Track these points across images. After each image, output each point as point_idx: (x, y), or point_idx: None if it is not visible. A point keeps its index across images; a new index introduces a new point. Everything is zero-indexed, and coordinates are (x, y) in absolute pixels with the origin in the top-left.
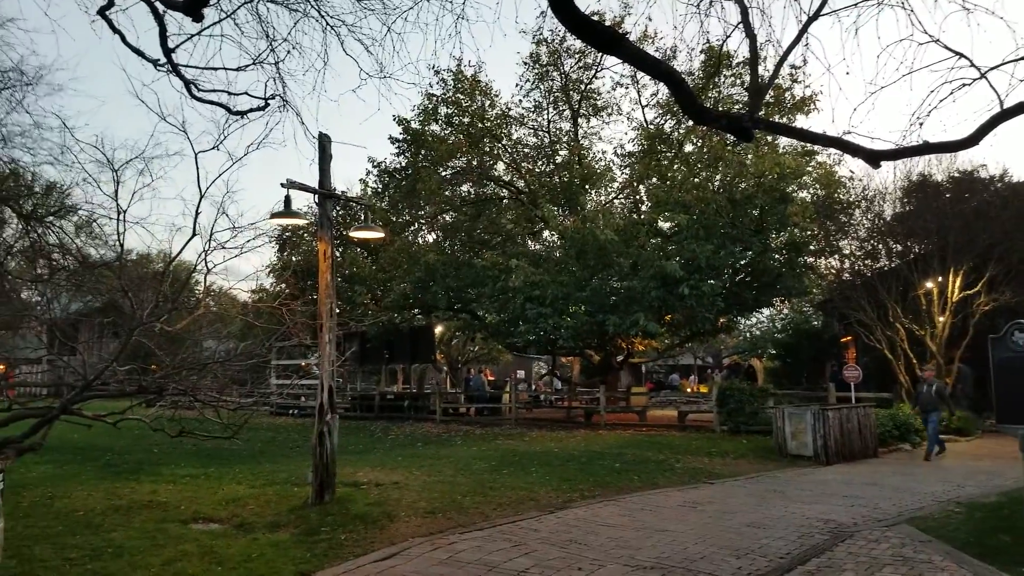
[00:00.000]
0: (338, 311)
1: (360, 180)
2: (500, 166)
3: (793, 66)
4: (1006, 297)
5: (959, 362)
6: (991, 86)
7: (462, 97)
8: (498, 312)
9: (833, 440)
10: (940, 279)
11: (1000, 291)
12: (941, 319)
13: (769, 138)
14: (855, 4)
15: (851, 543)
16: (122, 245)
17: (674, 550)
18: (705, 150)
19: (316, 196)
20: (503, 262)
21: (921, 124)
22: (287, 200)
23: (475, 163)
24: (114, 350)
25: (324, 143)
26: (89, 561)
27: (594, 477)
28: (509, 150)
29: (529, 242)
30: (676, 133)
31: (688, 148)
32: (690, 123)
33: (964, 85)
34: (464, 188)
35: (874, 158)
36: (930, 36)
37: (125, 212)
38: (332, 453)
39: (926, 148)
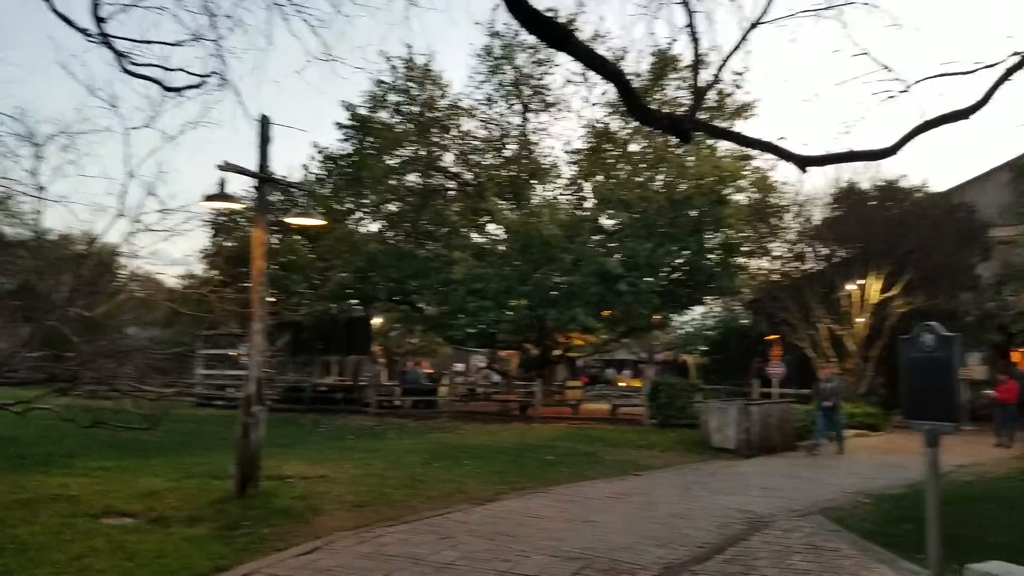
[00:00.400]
0: (272, 299)
1: (302, 166)
2: (448, 157)
3: (736, 72)
4: (920, 301)
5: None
6: (913, 98)
7: (412, 86)
8: (439, 304)
9: (755, 434)
10: (861, 282)
11: (915, 295)
12: (860, 320)
13: (709, 141)
14: (792, 15)
15: (766, 532)
16: (40, 224)
17: (599, 541)
18: (649, 150)
19: (255, 179)
20: (447, 254)
21: (848, 133)
22: (222, 183)
23: (423, 153)
24: (25, 335)
25: (264, 125)
26: None
27: (526, 469)
28: (458, 141)
29: (473, 235)
30: (622, 132)
31: (633, 148)
32: (636, 123)
33: (891, 97)
34: (410, 178)
35: (803, 163)
36: (863, 49)
37: (44, 189)
38: (257, 445)
39: (851, 156)
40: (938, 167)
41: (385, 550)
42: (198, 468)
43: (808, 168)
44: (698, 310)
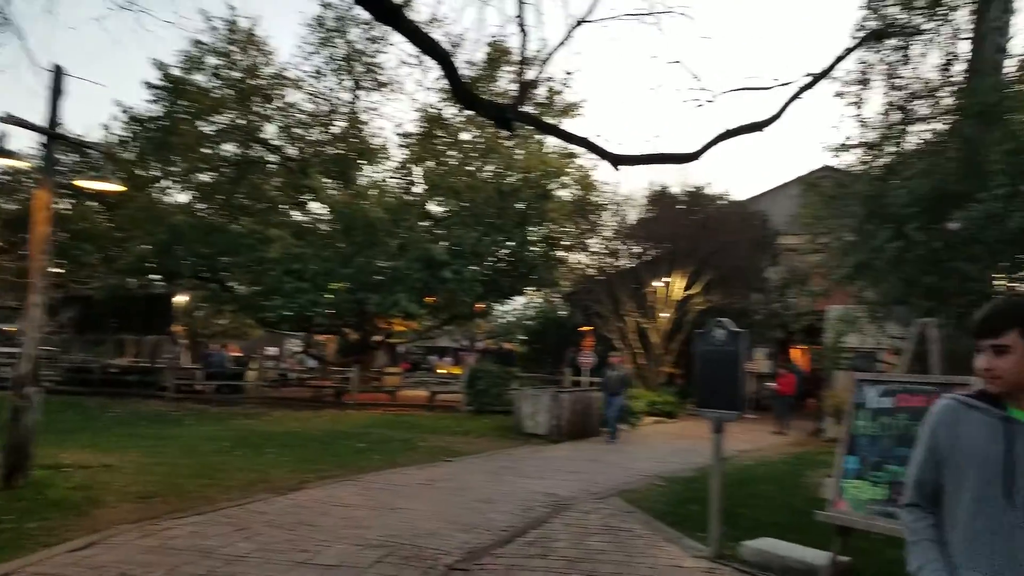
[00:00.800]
0: (58, 270)
1: (103, 126)
2: (270, 129)
3: (566, 72)
4: (717, 299)
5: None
6: (719, 107)
7: (234, 50)
8: (251, 284)
9: (565, 420)
10: (667, 280)
11: (713, 294)
12: (664, 314)
13: (538, 137)
14: (614, 16)
15: (567, 515)
16: None
17: (405, 527)
18: (480, 140)
19: (42, 136)
20: (262, 231)
21: (659, 137)
22: (3, 138)
23: (242, 122)
24: None
25: (57, 76)
26: None
27: (335, 457)
28: (282, 113)
29: (294, 213)
30: (455, 120)
31: (465, 136)
32: (467, 111)
33: (699, 105)
34: (227, 147)
35: (616, 161)
36: (677, 58)
37: None
38: (30, 431)
39: (660, 158)
40: (742, 178)
41: (172, 543)
42: None
43: (621, 166)
44: (519, 300)
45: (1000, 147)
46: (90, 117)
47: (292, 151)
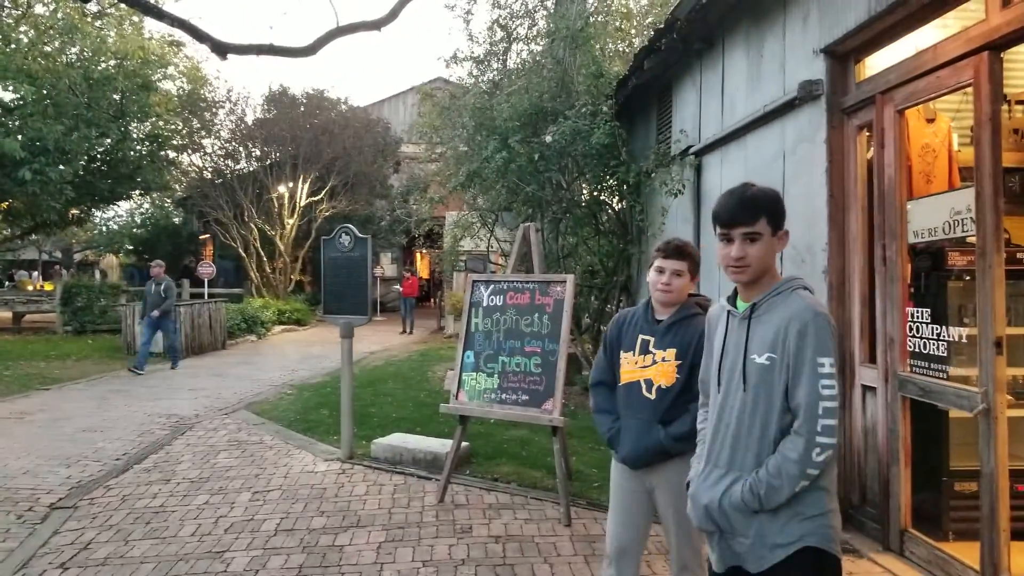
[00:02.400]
0: None
1: None
2: None
3: None
4: (343, 205)
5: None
6: (332, 4)
7: None
8: None
9: (183, 335)
10: (291, 185)
11: (339, 200)
12: (290, 221)
13: (135, 18)
14: None
15: (190, 434)
16: None
17: None
18: (60, 18)
19: None
20: None
21: (272, 29)
22: None
23: None
24: None
25: None
26: None
27: None
28: None
29: None
30: None
31: (39, 10)
32: None
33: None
34: None
35: (221, 50)
36: None
37: None
38: None
39: (271, 49)
40: (363, 84)
41: None
42: None
43: (228, 54)
44: (124, 206)
45: (584, 70)
46: None
47: None
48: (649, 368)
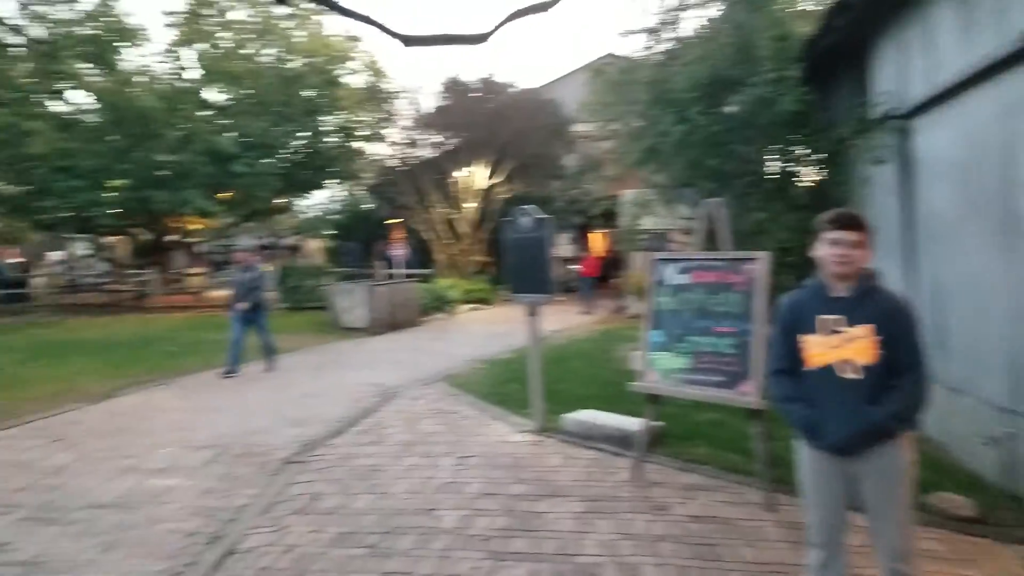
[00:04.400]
0: None
1: None
2: (9, 6)
3: None
4: (520, 187)
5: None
6: None
7: None
8: (18, 183)
9: (384, 312)
10: (469, 169)
11: (515, 182)
12: (470, 204)
13: (316, 18)
14: None
15: (396, 402)
16: None
17: (232, 427)
18: (256, 20)
19: None
20: (19, 123)
21: (442, 19)
22: None
23: None
24: None
25: None
26: None
27: (146, 362)
28: None
29: (53, 103)
30: None
31: (235, 16)
32: None
33: None
34: None
35: (406, 41)
36: None
37: None
38: None
39: (450, 38)
40: (533, 66)
41: None
42: None
43: (411, 46)
44: (323, 194)
45: (767, 33)
46: None
47: (39, 32)
48: (843, 347)
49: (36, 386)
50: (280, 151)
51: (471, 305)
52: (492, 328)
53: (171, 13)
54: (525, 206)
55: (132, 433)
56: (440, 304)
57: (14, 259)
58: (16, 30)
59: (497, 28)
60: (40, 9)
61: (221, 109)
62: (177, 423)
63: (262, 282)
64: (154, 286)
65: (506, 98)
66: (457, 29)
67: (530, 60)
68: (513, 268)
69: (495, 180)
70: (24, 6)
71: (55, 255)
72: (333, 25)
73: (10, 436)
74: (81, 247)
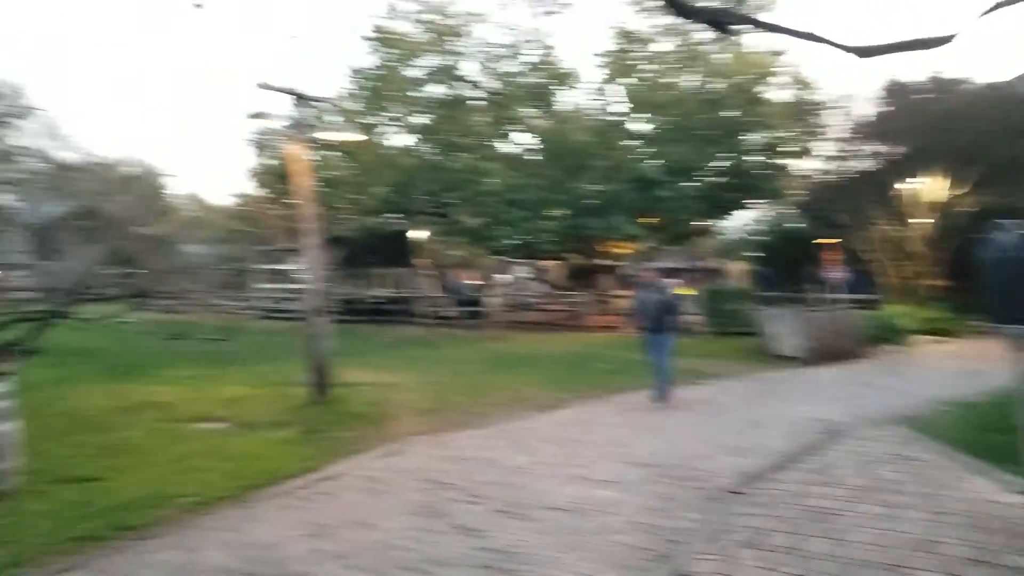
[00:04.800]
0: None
1: (344, 88)
2: (470, 66)
3: None
4: (989, 198)
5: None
6: None
7: None
8: (475, 216)
9: (820, 341)
10: (921, 181)
11: (983, 193)
12: (920, 220)
13: (733, 38)
14: None
15: (844, 442)
16: (92, 150)
17: (669, 448)
18: (681, 48)
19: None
20: (478, 165)
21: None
22: (262, 103)
23: (443, 62)
24: (95, 254)
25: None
26: (103, 457)
27: (584, 378)
28: (477, 49)
29: (502, 144)
30: (645, 32)
31: (658, 47)
32: (660, 20)
33: None
34: (435, 89)
35: (861, 54)
36: None
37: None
38: (326, 355)
39: (909, 45)
40: (995, 58)
41: (460, 453)
42: (272, 377)
43: (866, 56)
44: (745, 215)
45: None
46: (317, 75)
47: (493, 85)
48: None
49: (494, 393)
50: (702, 174)
51: (928, 336)
52: (961, 364)
53: (600, 54)
54: (1001, 220)
55: (577, 444)
56: (890, 334)
57: (473, 281)
58: (475, 85)
59: (965, 26)
60: (492, 65)
61: (645, 138)
62: (617, 439)
63: (675, 305)
64: (586, 307)
65: (962, 96)
66: (913, 33)
67: (991, 49)
68: (996, 294)
69: (955, 191)
70: (483, 65)
71: (503, 278)
72: (756, 42)
73: (479, 436)
74: (522, 271)
